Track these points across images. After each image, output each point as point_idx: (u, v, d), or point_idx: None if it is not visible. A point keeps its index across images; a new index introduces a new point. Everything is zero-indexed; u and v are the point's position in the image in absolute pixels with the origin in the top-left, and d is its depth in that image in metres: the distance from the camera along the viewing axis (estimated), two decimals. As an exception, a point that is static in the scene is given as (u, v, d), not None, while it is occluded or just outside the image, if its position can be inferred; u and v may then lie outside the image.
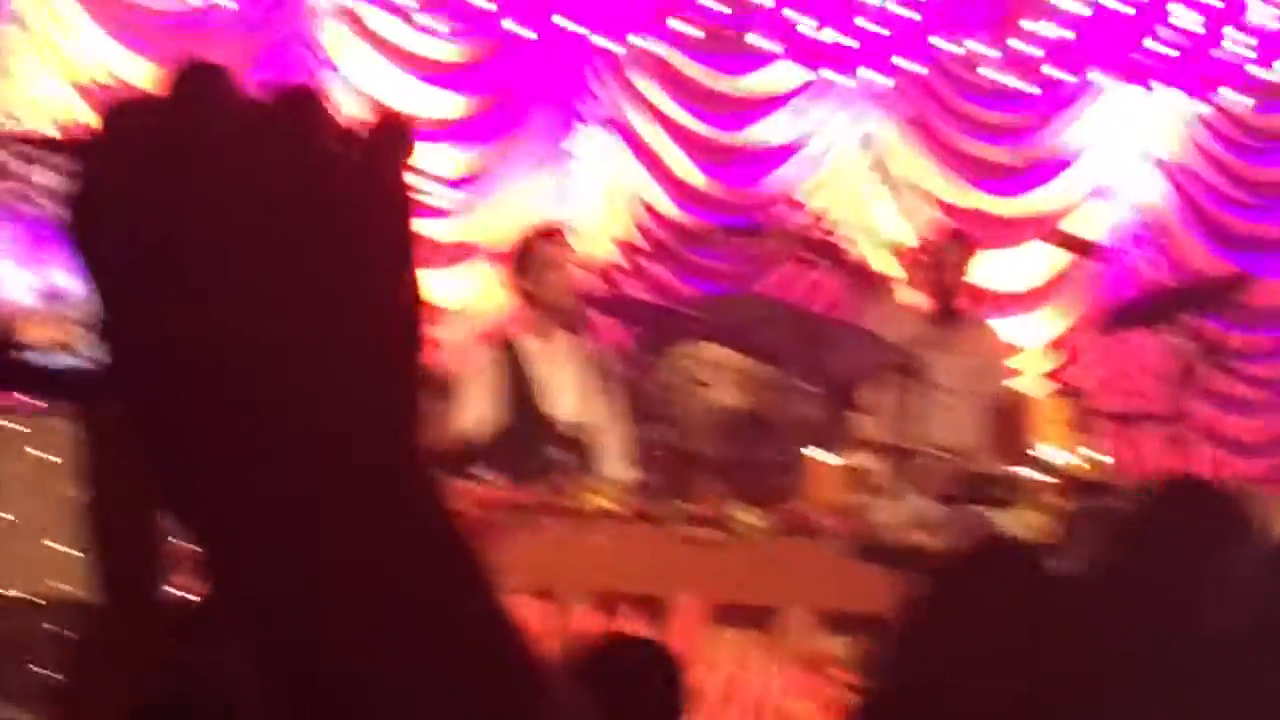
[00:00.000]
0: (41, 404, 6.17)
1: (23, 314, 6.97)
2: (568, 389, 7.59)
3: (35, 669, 5.85)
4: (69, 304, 7.38)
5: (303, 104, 0.83)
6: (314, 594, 0.80)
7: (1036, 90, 10.84)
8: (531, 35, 10.30)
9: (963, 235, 8.77)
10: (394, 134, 0.84)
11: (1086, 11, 10.71)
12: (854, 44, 10.56)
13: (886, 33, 10.58)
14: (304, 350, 0.80)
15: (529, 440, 7.44)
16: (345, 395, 0.81)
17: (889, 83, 10.75)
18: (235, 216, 0.80)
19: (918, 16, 10.59)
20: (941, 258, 8.44)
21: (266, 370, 0.80)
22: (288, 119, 0.82)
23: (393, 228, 0.84)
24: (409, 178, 0.85)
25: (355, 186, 0.82)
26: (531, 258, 7.53)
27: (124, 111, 0.83)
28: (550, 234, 7.83)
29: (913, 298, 8.90)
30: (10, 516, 6.34)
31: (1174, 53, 10.80)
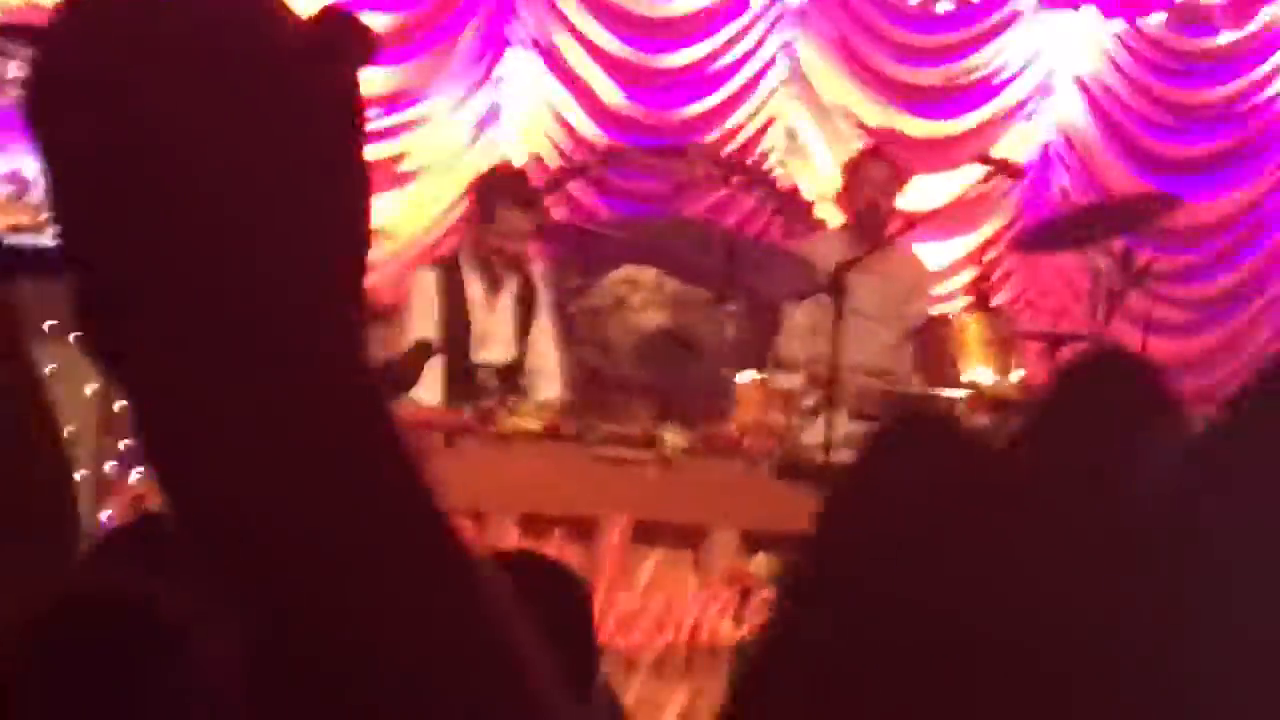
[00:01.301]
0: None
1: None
2: (499, 333, 7.59)
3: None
4: (33, 192, 7.34)
5: (257, 5, 0.83)
6: (264, 500, 0.81)
7: (949, 8, 10.84)
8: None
9: (886, 156, 8.80)
10: (352, 35, 0.85)
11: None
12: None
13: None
14: (252, 244, 0.81)
15: (460, 364, 7.44)
16: (293, 294, 0.82)
17: (813, 5, 10.73)
18: (191, 106, 0.81)
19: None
20: (864, 179, 8.47)
21: (215, 263, 0.80)
22: (250, 14, 0.82)
23: (345, 129, 0.84)
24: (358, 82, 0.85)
25: (311, 83, 0.83)
26: (497, 214, 7.49)
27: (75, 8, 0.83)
28: (512, 175, 7.82)
29: (839, 221, 8.93)
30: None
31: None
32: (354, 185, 0.84)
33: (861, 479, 0.52)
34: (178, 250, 0.80)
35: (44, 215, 6.75)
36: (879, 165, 8.57)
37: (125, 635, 2.01)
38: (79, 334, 0.82)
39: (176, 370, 0.81)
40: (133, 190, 0.80)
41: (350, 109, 0.84)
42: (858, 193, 8.46)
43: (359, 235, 0.84)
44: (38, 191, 6.94)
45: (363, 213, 0.84)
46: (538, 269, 7.84)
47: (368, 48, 0.85)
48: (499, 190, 7.55)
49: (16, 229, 6.74)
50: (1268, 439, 0.48)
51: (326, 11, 0.85)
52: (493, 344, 7.58)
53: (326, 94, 0.83)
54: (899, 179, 8.54)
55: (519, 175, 7.98)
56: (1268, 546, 0.47)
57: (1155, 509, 0.48)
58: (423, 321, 7.45)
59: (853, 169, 8.66)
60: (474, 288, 7.55)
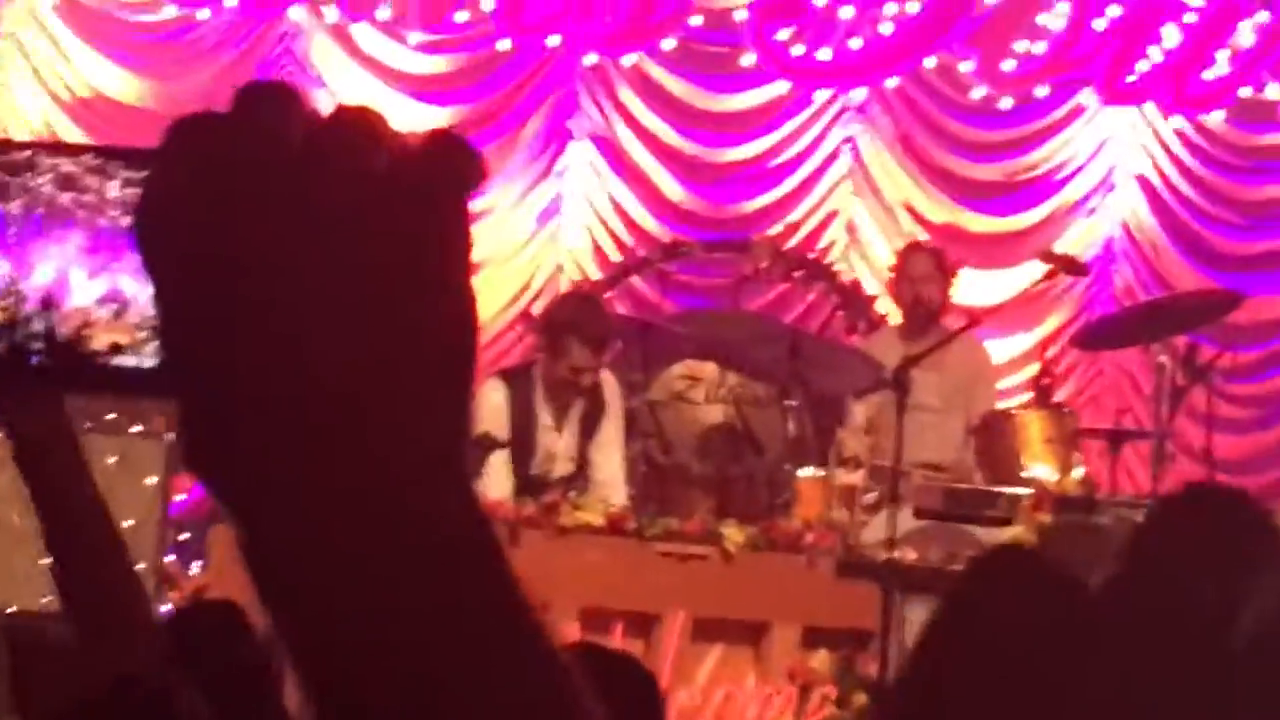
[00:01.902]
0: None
1: (90, 320, 7.00)
2: (563, 451, 7.57)
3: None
4: (133, 311, 7.41)
5: (365, 124, 0.84)
6: (368, 631, 0.82)
7: (1010, 104, 10.86)
8: (519, 50, 10.32)
9: (935, 249, 8.79)
10: (453, 158, 0.85)
11: (1075, 31, 10.73)
12: (841, 63, 10.57)
13: (873, 51, 10.59)
14: (351, 370, 0.82)
15: (524, 462, 7.44)
16: (395, 429, 0.82)
17: (875, 101, 10.77)
18: (297, 236, 0.82)
19: (904, 35, 10.61)
20: (909, 271, 8.47)
21: (314, 383, 0.81)
22: (349, 138, 0.83)
23: (452, 259, 0.84)
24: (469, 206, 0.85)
25: (423, 215, 0.83)
26: (569, 350, 7.39)
27: (193, 123, 0.84)
28: (583, 306, 7.73)
29: (898, 316, 8.92)
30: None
31: (1161, 72, 10.82)
32: (462, 314, 0.84)
33: (955, 615, 0.51)
34: (279, 378, 0.81)
35: (142, 334, 6.80)
36: (924, 256, 8.58)
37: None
38: (184, 454, 0.83)
39: (278, 497, 0.82)
40: (236, 316, 0.81)
41: (458, 237, 0.84)
42: (905, 284, 8.47)
43: (464, 364, 0.84)
44: (136, 310, 6.99)
45: (470, 342, 0.84)
46: (608, 379, 7.73)
47: (477, 174, 0.85)
48: (572, 324, 7.40)
49: (117, 348, 6.78)
50: None
51: (435, 137, 0.85)
52: (558, 461, 7.57)
53: (434, 223, 0.84)
54: (946, 271, 8.52)
55: (592, 306, 7.88)
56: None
57: (1256, 657, 0.47)
58: (490, 426, 7.41)
59: (900, 260, 8.69)
60: (543, 411, 7.52)
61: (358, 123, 0.84)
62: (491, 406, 7.42)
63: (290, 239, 0.81)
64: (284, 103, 0.84)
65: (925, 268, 8.46)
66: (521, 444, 7.45)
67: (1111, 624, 0.46)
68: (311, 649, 0.83)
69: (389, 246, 0.82)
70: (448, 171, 0.84)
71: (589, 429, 7.59)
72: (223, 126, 0.83)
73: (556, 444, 7.54)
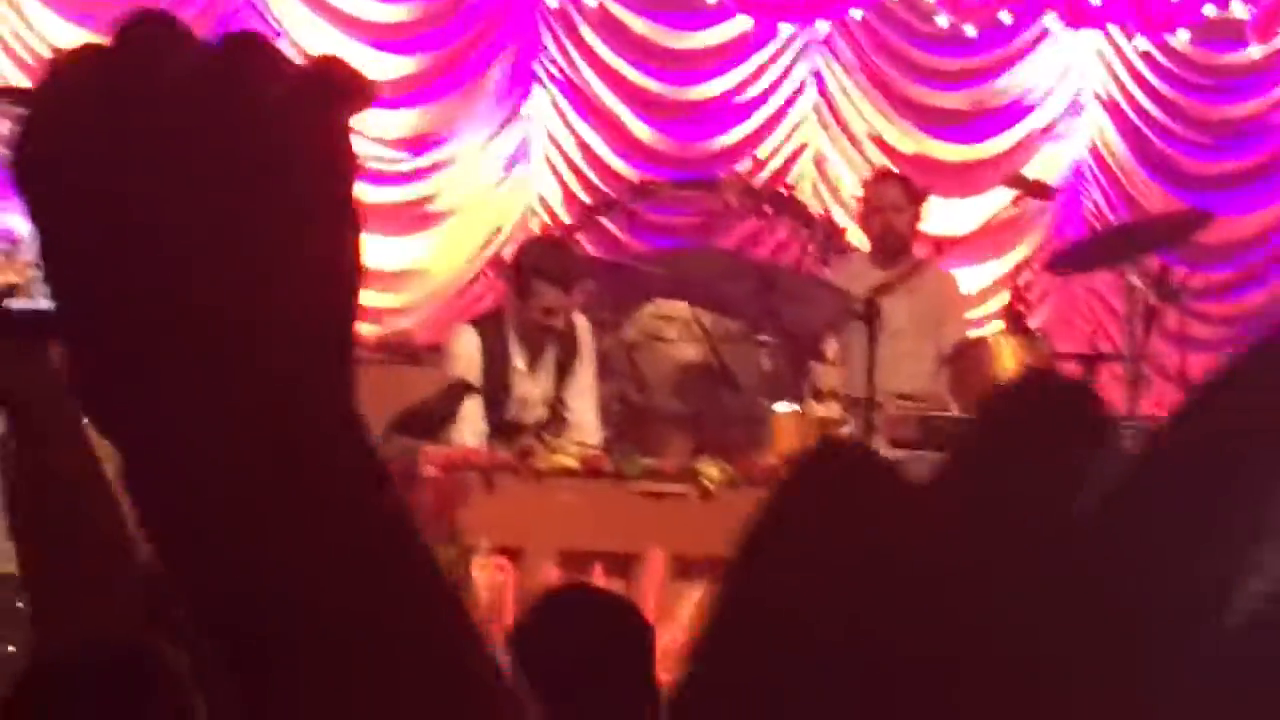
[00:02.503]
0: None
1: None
2: (539, 394, 7.57)
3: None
4: (24, 248, 7.39)
5: (252, 52, 0.83)
6: (255, 555, 0.82)
7: (974, 32, 10.84)
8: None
9: (902, 178, 8.77)
10: (345, 86, 0.85)
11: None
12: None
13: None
14: (238, 301, 0.81)
15: (498, 408, 7.44)
16: (278, 354, 0.82)
17: (839, 34, 10.75)
18: (176, 166, 0.81)
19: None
20: (879, 200, 8.44)
21: (201, 319, 0.81)
22: (236, 68, 0.83)
23: (333, 185, 0.84)
24: (353, 137, 0.85)
25: (298, 140, 0.83)
26: (534, 290, 7.38)
27: (72, 59, 0.84)
28: (552, 249, 7.76)
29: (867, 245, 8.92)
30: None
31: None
32: (338, 232, 0.84)
33: (779, 513, 0.51)
34: (160, 307, 0.81)
35: (34, 274, 6.78)
36: (892, 186, 8.53)
37: (127, 684, 2.06)
38: (76, 397, 0.83)
39: (165, 426, 0.82)
40: (117, 248, 0.81)
41: (337, 155, 0.84)
42: (874, 215, 8.43)
43: (345, 290, 0.84)
44: (29, 249, 6.97)
45: (351, 267, 0.84)
46: (580, 321, 7.74)
47: (361, 94, 0.85)
48: (538, 267, 7.41)
49: (11, 289, 6.74)
50: (1197, 463, 0.46)
51: (319, 60, 0.85)
52: (533, 407, 7.56)
53: (310, 140, 0.83)
54: (915, 199, 8.49)
55: (558, 248, 7.90)
56: (1190, 581, 0.45)
57: (1093, 537, 0.46)
58: (462, 369, 7.42)
59: (868, 191, 8.66)
60: (516, 356, 7.51)
61: (243, 52, 0.83)
62: (464, 353, 7.42)
63: (164, 169, 0.81)
64: (164, 34, 0.83)
65: (894, 197, 8.43)
66: (495, 390, 7.44)
67: (942, 509, 0.46)
68: (195, 576, 0.83)
69: (263, 166, 0.82)
70: (328, 96, 0.84)
71: (563, 373, 7.59)
72: (99, 60, 0.83)
73: (531, 389, 7.54)
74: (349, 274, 0.84)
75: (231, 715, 0.83)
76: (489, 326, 7.56)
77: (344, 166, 0.84)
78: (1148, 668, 0.44)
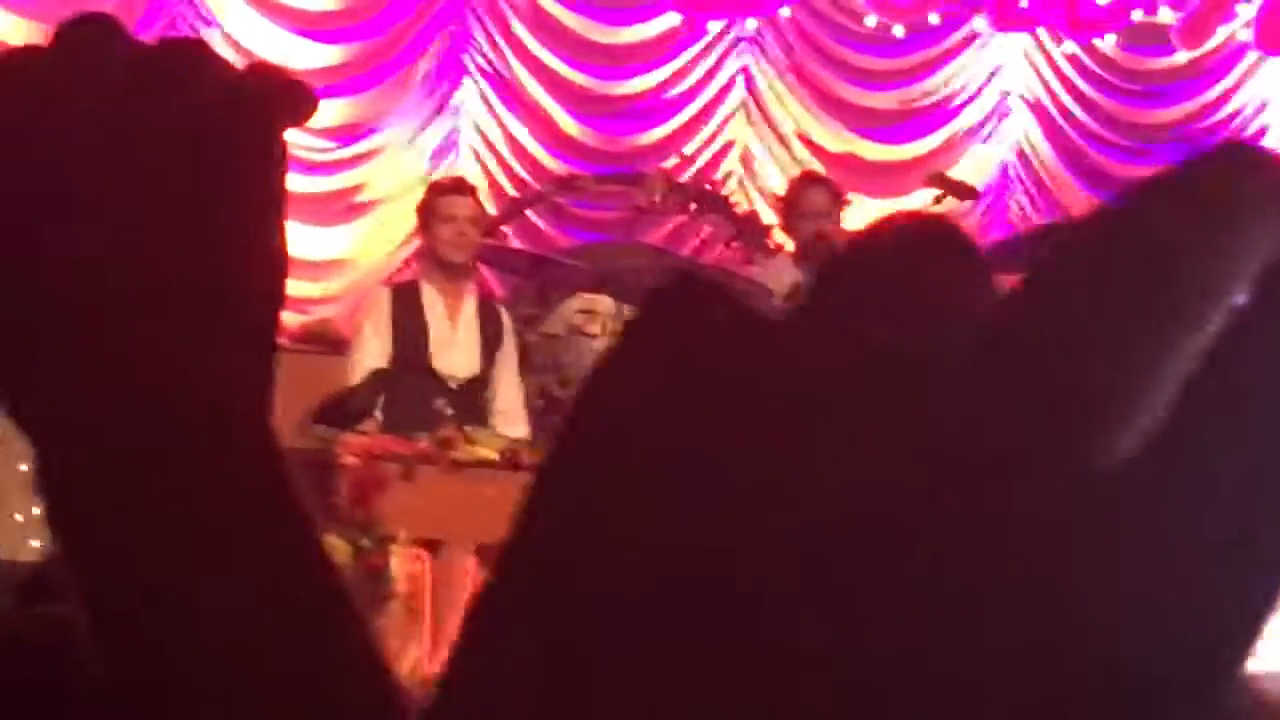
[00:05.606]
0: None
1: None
2: (460, 341, 7.57)
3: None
4: None
5: (187, 56, 0.84)
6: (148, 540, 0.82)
7: (903, 32, 10.88)
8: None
9: (827, 181, 8.75)
10: (280, 92, 0.85)
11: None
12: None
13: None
14: (160, 296, 0.82)
15: (417, 391, 7.42)
16: (199, 345, 0.82)
17: (768, 31, 10.78)
18: (109, 155, 0.82)
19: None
20: (805, 205, 8.38)
21: (121, 312, 0.81)
22: (174, 69, 0.83)
23: (262, 185, 0.84)
24: (288, 136, 0.86)
25: (229, 142, 0.83)
26: (436, 211, 7.49)
27: (7, 59, 0.84)
28: (456, 188, 7.81)
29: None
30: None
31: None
32: (269, 222, 0.84)
33: (620, 352, 0.46)
34: (72, 288, 0.81)
35: None
36: (819, 190, 8.46)
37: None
38: None
39: (72, 406, 0.82)
40: (33, 228, 0.81)
41: (267, 159, 0.84)
42: (800, 220, 8.35)
43: (273, 272, 0.85)
44: None
45: (278, 250, 0.85)
46: (503, 312, 7.79)
47: (299, 104, 0.85)
48: (436, 192, 7.60)
49: None
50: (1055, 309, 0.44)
51: (260, 65, 0.86)
52: (453, 353, 7.52)
53: (247, 139, 0.84)
54: (840, 203, 8.45)
55: (460, 186, 7.98)
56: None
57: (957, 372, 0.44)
58: (378, 337, 7.42)
59: (791, 197, 8.57)
60: (432, 299, 7.51)
61: (183, 54, 0.84)
62: (377, 308, 7.49)
63: (97, 159, 0.81)
64: (102, 34, 0.84)
65: (820, 202, 8.35)
66: (412, 336, 7.44)
67: (799, 347, 0.43)
68: (86, 558, 0.83)
69: (198, 164, 0.83)
70: (266, 106, 0.85)
71: (491, 350, 7.58)
72: (36, 58, 0.83)
73: (449, 333, 7.51)
74: (277, 264, 0.85)
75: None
76: (402, 289, 7.64)
77: (275, 169, 0.85)
78: (1021, 510, 0.43)
